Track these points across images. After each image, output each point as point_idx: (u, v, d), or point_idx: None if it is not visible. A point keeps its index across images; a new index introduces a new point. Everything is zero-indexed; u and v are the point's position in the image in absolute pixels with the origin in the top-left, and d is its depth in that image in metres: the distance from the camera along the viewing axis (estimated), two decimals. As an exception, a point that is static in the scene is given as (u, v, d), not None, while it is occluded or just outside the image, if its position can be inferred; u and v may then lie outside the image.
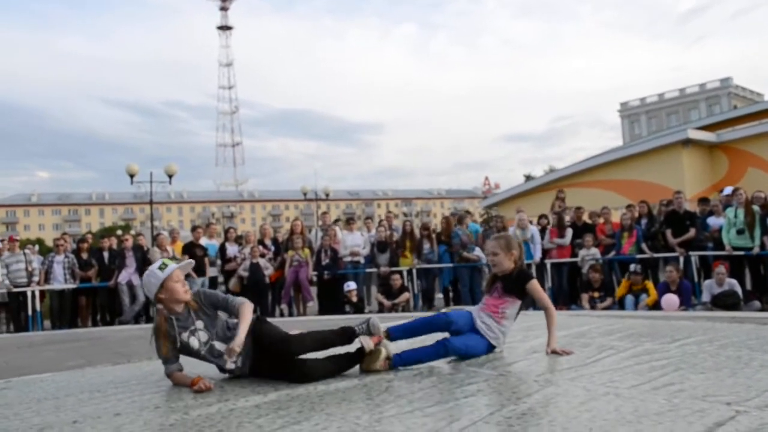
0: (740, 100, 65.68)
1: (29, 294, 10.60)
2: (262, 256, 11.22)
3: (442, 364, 3.74)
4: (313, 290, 11.40)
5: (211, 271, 11.32)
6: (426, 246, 11.44)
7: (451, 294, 11.44)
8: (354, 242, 11.38)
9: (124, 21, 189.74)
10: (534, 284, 4.03)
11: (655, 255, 9.84)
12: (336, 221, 13.94)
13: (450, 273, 11.26)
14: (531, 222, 11.39)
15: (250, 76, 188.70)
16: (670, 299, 8.49)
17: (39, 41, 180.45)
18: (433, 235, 11.59)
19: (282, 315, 10.80)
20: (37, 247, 15.07)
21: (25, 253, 11.30)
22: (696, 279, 9.47)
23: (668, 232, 9.80)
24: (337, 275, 11.01)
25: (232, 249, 11.66)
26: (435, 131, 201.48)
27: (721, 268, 8.70)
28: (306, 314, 10.77)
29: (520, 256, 4.09)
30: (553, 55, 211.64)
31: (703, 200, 10.71)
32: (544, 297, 4.16)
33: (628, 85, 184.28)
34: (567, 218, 11.22)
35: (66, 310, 10.97)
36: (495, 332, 3.96)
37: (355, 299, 10.41)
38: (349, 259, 11.20)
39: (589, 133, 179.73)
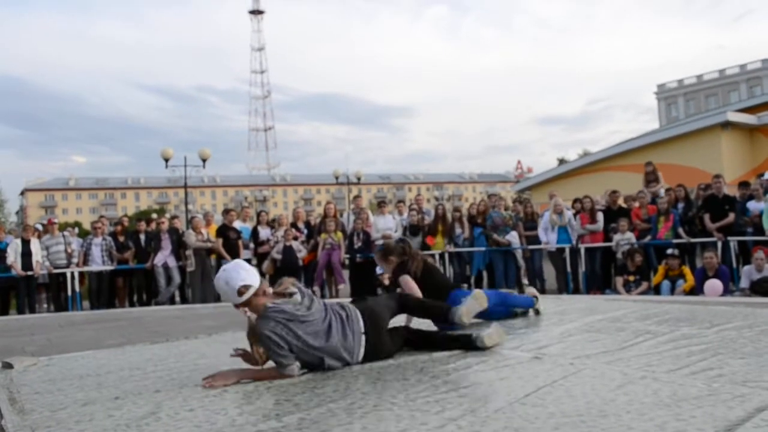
0: (782, 82, 63.90)
1: (69, 275, 10.85)
2: (295, 239, 11.30)
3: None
4: (345, 273, 11.45)
5: (245, 254, 11.45)
6: (458, 230, 11.42)
7: (485, 278, 11.40)
8: (386, 225, 11.39)
9: (156, 6, 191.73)
10: (403, 279, 4.56)
11: (693, 240, 9.67)
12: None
13: (483, 257, 11.21)
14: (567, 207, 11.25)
15: (281, 60, 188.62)
16: (714, 285, 8.32)
17: (73, 27, 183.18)
18: (464, 219, 11.54)
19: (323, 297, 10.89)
20: (76, 230, 15.40)
21: (64, 236, 11.55)
22: (735, 265, 9.28)
23: (706, 217, 9.61)
24: (369, 258, 11.03)
25: (264, 232, 11.76)
26: (465, 114, 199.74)
27: (760, 254, 8.51)
28: (338, 297, 10.84)
29: (405, 254, 4.77)
30: (587, 36, 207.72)
31: (744, 184, 10.44)
32: (413, 289, 4.47)
33: (664, 66, 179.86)
34: (602, 202, 11.06)
35: (104, 291, 11.20)
36: None
37: (387, 282, 10.41)
38: (381, 242, 11.21)
39: (623, 116, 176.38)
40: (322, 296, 10.98)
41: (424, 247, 11.13)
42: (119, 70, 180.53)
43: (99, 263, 11.14)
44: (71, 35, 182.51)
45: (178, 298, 11.37)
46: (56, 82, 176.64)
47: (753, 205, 9.59)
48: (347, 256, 11.17)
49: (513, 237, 10.89)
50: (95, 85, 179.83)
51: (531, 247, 10.86)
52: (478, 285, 11.32)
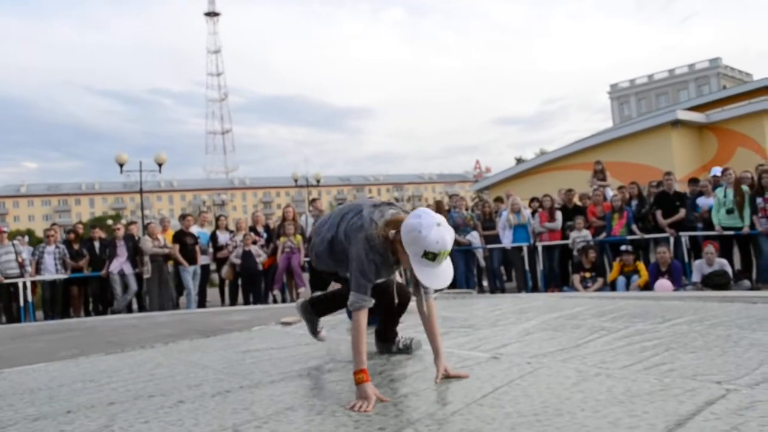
0: (729, 80, 65.77)
1: (20, 285, 10.55)
2: (254, 243, 11.19)
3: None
4: (306, 276, 11.39)
5: (203, 259, 11.30)
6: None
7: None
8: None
9: (108, 7, 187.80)
10: None
11: (646, 236, 9.88)
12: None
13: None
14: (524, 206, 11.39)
15: (238, 62, 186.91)
16: (663, 285, 8.54)
17: (21, 29, 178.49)
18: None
19: (275, 301, 10.81)
20: (26, 238, 14.98)
21: (14, 244, 11.22)
22: (686, 259, 9.52)
23: (658, 213, 9.84)
24: (329, 261, 11.00)
25: (223, 237, 11.63)
26: (424, 116, 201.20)
27: (710, 248, 8.75)
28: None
29: None
30: (543, 38, 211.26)
31: (693, 181, 10.73)
32: None
33: (617, 66, 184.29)
34: (558, 201, 11.23)
35: (58, 301, 10.93)
36: None
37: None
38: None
39: (578, 115, 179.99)
40: (283, 300, 10.91)
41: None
42: (69, 72, 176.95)
43: (52, 272, 10.86)
44: (20, 37, 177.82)
45: (135, 306, 11.15)
46: (6, 85, 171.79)
47: (702, 201, 9.86)
48: (307, 259, 11.11)
49: (473, 237, 10.99)
50: (45, 89, 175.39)
51: (490, 246, 10.96)
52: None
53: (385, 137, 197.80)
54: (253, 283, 11.14)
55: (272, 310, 6.53)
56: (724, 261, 8.80)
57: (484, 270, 11.37)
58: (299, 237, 11.09)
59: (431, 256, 2.70)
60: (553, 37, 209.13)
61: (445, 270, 2.80)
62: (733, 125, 21.67)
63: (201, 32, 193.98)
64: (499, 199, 12.81)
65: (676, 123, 21.73)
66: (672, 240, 9.53)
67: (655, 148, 21.37)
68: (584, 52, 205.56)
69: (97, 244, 11.48)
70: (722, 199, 9.21)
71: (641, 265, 9.23)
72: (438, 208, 11.79)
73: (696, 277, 8.78)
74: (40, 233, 44.40)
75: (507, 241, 10.74)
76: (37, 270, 10.89)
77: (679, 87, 72.09)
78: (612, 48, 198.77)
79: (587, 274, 9.50)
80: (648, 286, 8.82)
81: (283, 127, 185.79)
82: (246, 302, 11.00)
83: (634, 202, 10.38)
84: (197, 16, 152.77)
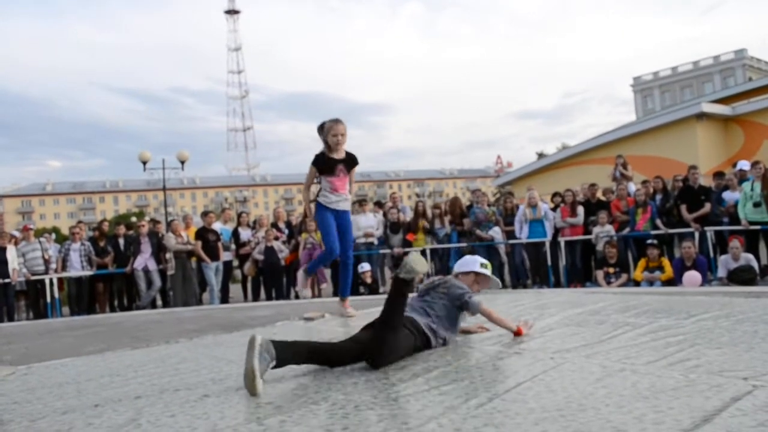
0: (755, 72, 64.70)
1: (47, 281, 10.73)
2: (276, 239, 11.26)
3: (457, 341, 3.76)
4: (327, 272, 11.44)
5: (225, 256, 11.40)
6: (438, 226, 11.46)
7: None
8: (367, 223, 11.39)
9: (127, 7, 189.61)
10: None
11: (670, 231, 9.78)
12: None
13: (456, 253, 11.27)
14: (543, 200, 11.33)
15: (258, 59, 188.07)
16: (692, 276, 8.43)
17: (43, 30, 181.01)
18: (445, 216, 11.58)
19: (297, 297, 10.87)
20: (53, 236, 15.22)
21: (40, 242, 11.43)
22: (712, 254, 9.41)
23: (683, 208, 9.73)
24: (350, 257, 11.03)
25: (245, 233, 11.72)
26: (444, 111, 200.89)
27: (735, 243, 8.64)
28: (321, 296, 10.82)
29: None
30: (562, 31, 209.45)
31: (718, 174, 10.60)
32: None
33: (639, 58, 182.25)
34: (581, 195, 11.14)
35: (84, 297, 11.11)
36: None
37: (369, 280, 10.45)
38: (362, 240, 11.21)
39: (599, 109, 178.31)
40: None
41: (405, 243, 11.16)
42: (90, 72, 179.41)
43: (78, 268, 11.03)
44: (41, 38, 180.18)
45: (159, 302, 11.29)
46: (27, 85, 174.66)
47: (728, 195, 9.74)
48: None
49: (496, 233, 10.96)
50: (67, 89, 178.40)
51: (512, 241, 10.92)
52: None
53: (404, 133, 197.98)
54: (275, 278, 11.21)
55: (295, 305, 6.58)
56: (750, 256, 8.68)
57: (505, 265, 11.33)
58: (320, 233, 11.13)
59: (485, 266, 4.07)
60: (573, 29, 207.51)
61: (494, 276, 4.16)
62: (760, 117, 21.32)
63: (221, 30, 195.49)
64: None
65: (701, 116, 21.44)
66: (697, 235, 9.42)
67: (679, 142, 21.10)
68: (605, 44, 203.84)
69: (121, 241, 11.64)
70: (749, 193, 9.08)
71: (666, 261, 9.14)
72: (454, 204, 11.76)
73: (722, 273, 8.68)
74: (65, 231, 45.07)
75: (523, 236, 10.71)
76: (63, 267, 11.08)
77: (704, 79, 71.08)
78: (634, 40, 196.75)
79: (611, 270, 9.42)
80: (672, 282, 8.72)
81: (303, 124, 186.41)
82: (268, 298, 11.08)
83: (659, 197, 10.28)
84: (217, 15, 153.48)
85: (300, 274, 6.07)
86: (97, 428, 2.48)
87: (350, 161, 5.70)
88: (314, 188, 5.73)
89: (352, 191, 5.85)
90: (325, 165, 5.57)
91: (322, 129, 5.57)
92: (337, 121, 5.56)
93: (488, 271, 4.07)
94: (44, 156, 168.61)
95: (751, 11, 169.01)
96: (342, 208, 5.66)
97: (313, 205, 5.68)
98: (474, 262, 4.08)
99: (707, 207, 9.60)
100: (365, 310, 6.10)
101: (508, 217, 11.28)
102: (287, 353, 3.05)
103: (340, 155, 5.62)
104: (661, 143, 21.56)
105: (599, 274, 9.54)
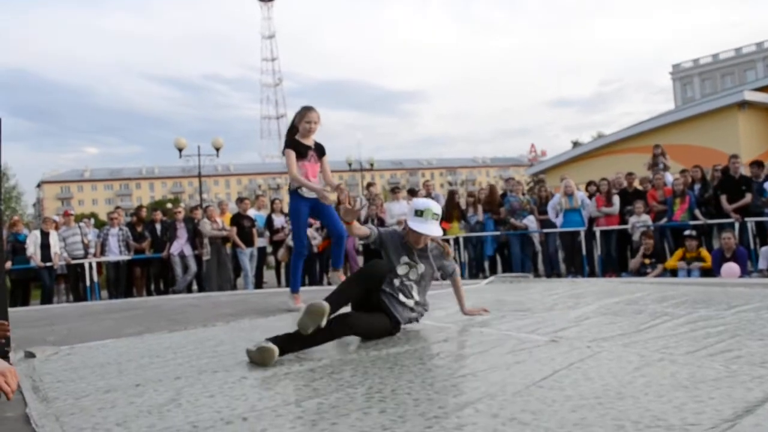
0: (800, 59, 62.86)
1: (86, 266, 10.97)
2: (310, 226, 11.32)
3: (492, 331, 3.75)
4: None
5: (259, 242, 11.51)
6: (471, 214, 11.41)
7: (499, 262, 11.42)
8: (400, 211, 11.38)
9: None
10: None
11: (709, 221, 9.60)
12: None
13: (493, 241, 11.22)
14: (578, 189, 11.20)
15: (291, 47, 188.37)
16: (731, 268, 8.27)
17: (80, 19, 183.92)
18: (479, 204, 11.53)
19: (329, 284, 10.92)
20: (92, 221, 15.54)
21: (80, 227, 11.68)
22: (752, 246, 9.21)
23: (723, 198, 9.53)
24: (383, 244, 11.04)
25: (279, 220, 11.81)
26: (476, 98, 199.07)
27: (778, 234, 8.45)
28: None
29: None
30: (599, 17, 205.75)
31: (756, 163, 10.36)
32: None
33: (678, 45, 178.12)
34: (616, 185, 10.98)
35: (122, 281, 11.34)
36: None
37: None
38: (396, 228, 11.20)
39: (635, 96, 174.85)
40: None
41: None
42: (126, 60, 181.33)
43: (116, 253, 11.26)
44: (78, 27, 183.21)
45: (195, 287, 11.46)
46: (65, 73, 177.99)
47: (771, 186, 9.51)
48: (362, 242, 11.17)
49: (530, 221, 10.89)
50: (103, 76, 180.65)
51: (546, 230, 10.83)
52: (492, 269, 11.34)
53: (437, 120, 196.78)
54: (308, 265, 11.28)
55: (328, 291, 6.65)
56: (793, 247, 8.48)
57: (539, 254, 11.25)
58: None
59: (419, 213, 3.80)
60: (610, 15, 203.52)
61: (433, 224, 3.81)
62: (804, 106, 20.72)
63: (254, 18, 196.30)
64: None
65: (743, 104, 20.88)
66: (737, 226, 9.22)
67: (720, 131, 20.60)
68: (643, 30, 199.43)
69: (158, 227, 11.83)
70: (792, 183, 8.86)
71: (705, 252, 8.97)
72: (492, 192, 11.70)
73: (762, 264, 8.51)
74: (102, 216, 45.94)
75: (557, 224, 10.62)
76: (102, 251, 11.31)
77: (746, 66, 69.19)
78: (673, 26, 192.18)
79: (647, 261, 9.29)
80: (710, 273, 8.57)
81: (335, 111, 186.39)
82: (302, 284, 11.16)
83: (697, 186, 10.08)
84: (251, 2, 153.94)
85: (332, 276, 6.09)
86: (139, 407, 2.54)
87: (319, 150, 5.70)
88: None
89: (329, 180, 5.78)
90: (298, 149, 5.53)
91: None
92: (310, 108, 5.59)
93: (421, 225, 3.78)
94: (82, 143, 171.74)
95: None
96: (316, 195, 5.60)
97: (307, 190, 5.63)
98: (411, 211, 3.90)
99: (748, 197, 9.39)
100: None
101: (542, 206, 11.18)
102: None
103: (310, 142, 5.62)
104: (701, 132, 21.07)
105: (635, 264, 9.40)
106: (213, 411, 2.41)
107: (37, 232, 10.81)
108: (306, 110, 5.58)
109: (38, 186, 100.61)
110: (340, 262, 6.04)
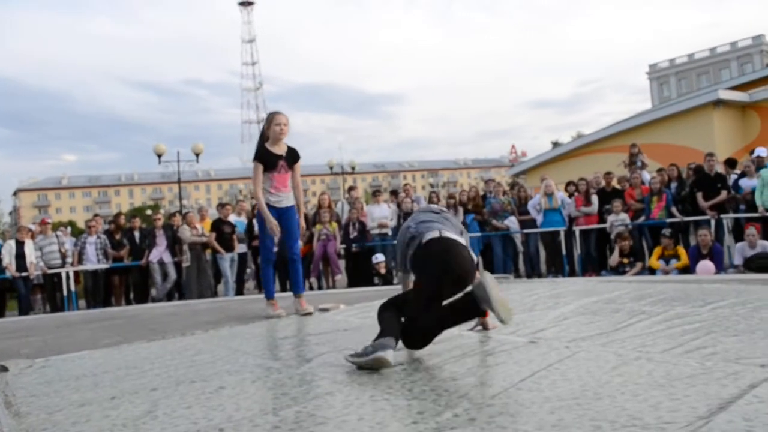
0: (773, 58, 63.84)
1: (64, 275, 10.83)
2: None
3: (471, 333, 3.75)
4: (342, 263, 11.45)
5: (240, 248, 11.44)
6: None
7: (481, 263, 11.45)
8: (381, 214, 11.39)
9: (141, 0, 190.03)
10: None
11: (686, 219, 9.70)
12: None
13: (478, 242, 11.24)
14: (558, 189, 11.27)
15: (271, 51, 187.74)
16: (706, 266, 8.37)
17: (58, 23, 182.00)
18: (460, 206, 11.56)
19: (311, 288, 10.90)
20: (69, 229, 15.36)
21: (57, 235, 11.53)
22: (728, 242, 9.32)
23: (699, 195, 9.64)
24: (365, 248, 11.04)
25: (260, 225, 11.74)
26: (457, 100, 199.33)
27: (752, 230, 8.55)
28: (335, 287, 10.85)
29: None
30: (577, 19, 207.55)
31: (729, 161, 10.51)
32: None
33: (655, 46, 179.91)
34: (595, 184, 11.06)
35: (100, 290, 11.20)
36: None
37: (383, 271, 10.45)
38: (376, 231, 11.21)
39: (614, 97, 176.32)
40: (319, 287, 10.99)
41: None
42: (104, 65, 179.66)
43: (94, 262, 11.12)
44: (56, 31, 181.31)
45: (176, 294, 11.36)
46: (42, 79, 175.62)
47: (745, 183, 9.63)
48: (343, 246, 11.17)
49: (512, 222, 10.93)
50: (81, 82, 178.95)
51: (527, 230, 10.88)
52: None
53: (418, 123, 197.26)
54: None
55: (309, 297, 6.60)
56: (767, 243, 8.59)
57: (521, 255, 11.30)
58: (335, 224, 11.15)
59: None
60: (588, 17, 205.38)
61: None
62: (778, 104, 21.05)
63: (234, 22, 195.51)
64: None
65: (718, 103, 21.17)
66: (713, 222, 9.33)
67: (696, 130, 20.87)
68: (620, 31, 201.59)
69: (137, 234, 11.72)
70: (767, 180, 8.97)
71: (681, 249, 9.07)
72: (476, 194, 11.73)
73: (738, 260, 8.60)
74: (81, 224, 45.45)
75: (538, 224, 10.68)
76: (80, 260, 11.17)
77: (721, 66, 70.13)
78: (650, 27, 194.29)
79: (625, 260, 9.36)
80: (687, 270, 8.66)
81: (317, 115, 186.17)
82: (283, 290, 11.10)
83: (674, 185, 10.19)
84: (231, 6, 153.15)
85: (295, 302, 5.78)
86: (114, 420, 2.50)
87: (292, 157, 5.60)
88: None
89: (299, 191, 5.72)
90: (267, 160, 5.44)
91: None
92: (277, 112, 5.52)
93: None
94: (60, 149, 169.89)
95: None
96: (285, 205, 5.56)
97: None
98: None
99: (723, 194, 9.50)
100: (379, 301, 6.11)
101: (522, 207, 11.24)
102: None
103: (281, 150, 5.52)
104: (678, 131, 21.33)
105: (613, 264, 9.46)
106: (190, 422, 2.38)
107: (12, 242, 10.66)
108: (273, 114, 5.51)
109: (15, 194, 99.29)
110: (300, 288, 5.81)
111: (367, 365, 2.96)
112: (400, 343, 3.13)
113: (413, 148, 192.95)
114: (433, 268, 3.28)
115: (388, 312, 3.29)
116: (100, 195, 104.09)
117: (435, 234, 3.37)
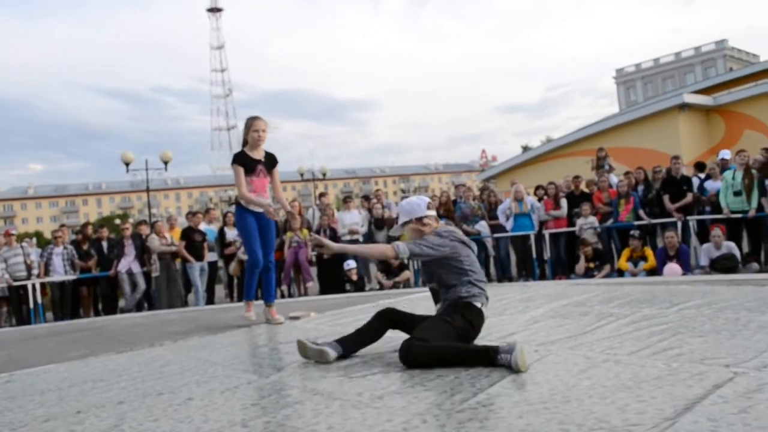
0: (736, 62, 65.18)
1: (30, 287, 10.60)
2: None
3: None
4: (313, 270, 11.40)
5: (211, 256, 11.32)
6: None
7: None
8: (352, 220, 11.36)
9: (106, 5, 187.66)
10: None
11: (653, 221, 9.84)
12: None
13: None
14: (528, 193, 11.36)
15: (241, 57, 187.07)
16: (672, 268, 8.50)
17: (20, 29, 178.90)
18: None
19: (283, 296, 10.82)
20: (34, 240, 15.05)
21: (22, 247, 11.29)
22: (695, 244, 9.48)
23: (666, 198, 9.79)
24: (336, 254, 10.99)
25: (231, 233, 11.63)
26: (428, 106, 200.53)
27: (717, 231, 8.71)
28: (307, 294, 10.80)
29: None
30: (545, 24, 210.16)
31: (698, 165, 10.70)
32: None
33: (622, 50, 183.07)
34: (564, 188, 11.18)
35: (68, 301, 10.98)
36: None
37: (355, 278, 10.43)
38: (347, 237, 11.18)
39: (582, 101, 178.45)
40: (290, 294, 10.92)
41: (392, 240, 11.14)
42: (69, 72, 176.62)
43: (61, 273, 10.91)
44: (18, 37, 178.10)
45: (145, 304, 11.20)
46: (3, 86, 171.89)
47: (710, 185, 9.81)
48: (314, 253, 11.11)
49: (482, 227, 10.97)
50: (45, 89, 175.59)
51: (497, 235, 10.94)
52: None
53: (389, 128, 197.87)
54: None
55: (280, 305, 6.54)
56: (732, 244, 8.76)
57: (492, 259, 11.35)
58: (306, 231, 11.08)
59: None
60: (556, 23, 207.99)
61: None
62: (740, 107, 21.52)
63: (202, 28, 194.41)
64: None
65: (683, 106, 21.59)
66: (680, 224, 9.48)
67: (662, 133, 21.25)
68: (588, 37, 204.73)
69: (105, 244, 11.53)
70: (730, 182, 9.15)
71: (649, 251, 9.20)
72: (448, 200, 11.77)
73: (704, 261, 8.75)
74: (48, 235, 44.58)
75: (508, 229, 10.75)
76: (46, 271, 10.95)
77: (686, 70, 71.60)
78: (616, 32, 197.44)
79: (591, 265, 9.47)
80: (655, 272, 8.79)
81: (287, 121, 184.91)
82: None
83: (641, 188, 10.34)
84: (199, 12, 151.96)
85: (265, 311, 5.75)
86: (79, 434, 2.46)
87: (270, 161, 5.61)
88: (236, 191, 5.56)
89: (279, 195, 5.76)
90: (246, 163, 5.45)
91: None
92: (256, 117, 5.53)
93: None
94: (25, 159, 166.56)
95: (732, 2, 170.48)
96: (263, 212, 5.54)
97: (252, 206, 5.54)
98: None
99: (689, 197, 9.67)
100: (351, 308, 6.11)
101: (491, 211, 11.30)
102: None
103: (259, 155, 5.54)
104: (644, 134, 21.70)
105: (581, 268, 9.56)
106: (156, 435, 2.35)
107: (-24, 255, 10.42)
108: (252, 120, 5.52)
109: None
110: (272, 297, 5.78)
111: (313, 354, 3.39)
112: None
113: (385, 154, 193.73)
114: (471, 332, 3.37)
115: (376, 322, 3.54)
116: (68, 205, 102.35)
117: (483, 303, 3.42)
